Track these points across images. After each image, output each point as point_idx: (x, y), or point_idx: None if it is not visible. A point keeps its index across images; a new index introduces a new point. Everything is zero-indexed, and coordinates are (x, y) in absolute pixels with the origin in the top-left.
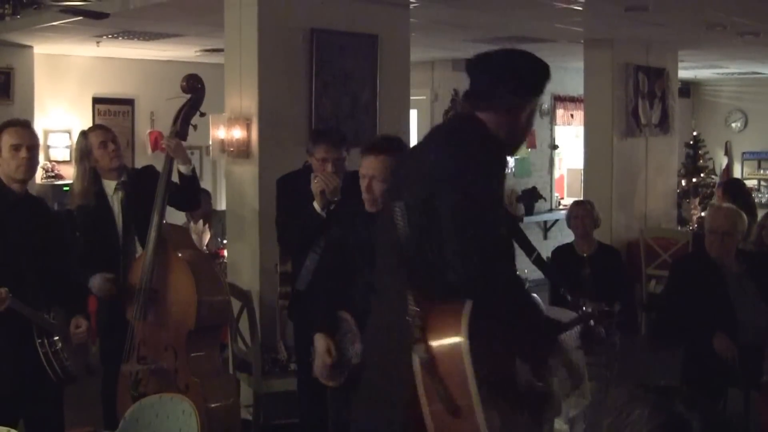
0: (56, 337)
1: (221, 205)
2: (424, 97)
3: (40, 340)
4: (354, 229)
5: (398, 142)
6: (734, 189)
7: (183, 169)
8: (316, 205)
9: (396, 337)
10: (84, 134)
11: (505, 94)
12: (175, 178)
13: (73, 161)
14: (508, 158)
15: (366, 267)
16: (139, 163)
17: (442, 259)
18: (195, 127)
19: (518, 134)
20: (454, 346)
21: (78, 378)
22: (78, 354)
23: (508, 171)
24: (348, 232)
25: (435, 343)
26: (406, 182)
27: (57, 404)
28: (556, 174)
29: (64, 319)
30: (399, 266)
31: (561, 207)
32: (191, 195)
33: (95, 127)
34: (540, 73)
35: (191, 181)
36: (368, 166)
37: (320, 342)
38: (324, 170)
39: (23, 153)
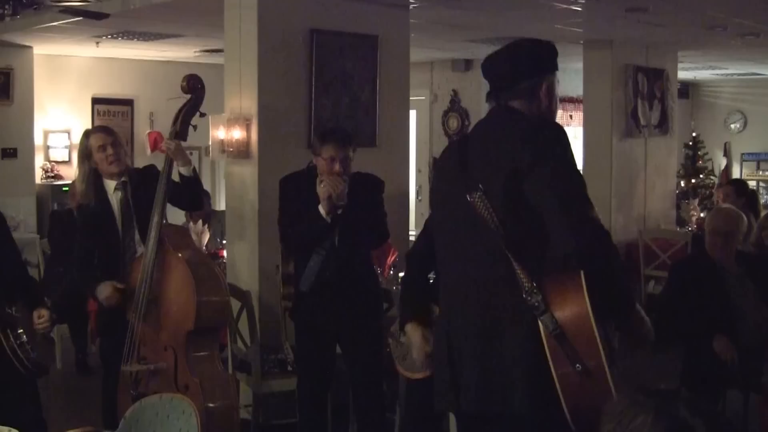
0: (20, 330)
1: (221, 205)
2: (424, 98)
3: (3, 334)
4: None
5: None
6: (742, 189)
7: (183, 170)
8: (321, 209)
9: (490, 322)
10: (86, 135)
11: (520, 79)
12: (175, 178)
13: (76, 160)
14: None
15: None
16: (138, 163)
17: (555, 233)
18: (195, 127)
19: (547, 112)
20: (580, 313)
21: (48, 369)
22: (44, 345)
23: None
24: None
25: (560, 313)
26: (481, 172)
27: (33, 398)
28: None
29: (26, 313)
30: (490, 252)
31: None
32: (193, 195)
33: (97, 129)
34: (543, 49)
35: (192, 181)
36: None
37: (415, 331)
38: (332, 169)
39: None
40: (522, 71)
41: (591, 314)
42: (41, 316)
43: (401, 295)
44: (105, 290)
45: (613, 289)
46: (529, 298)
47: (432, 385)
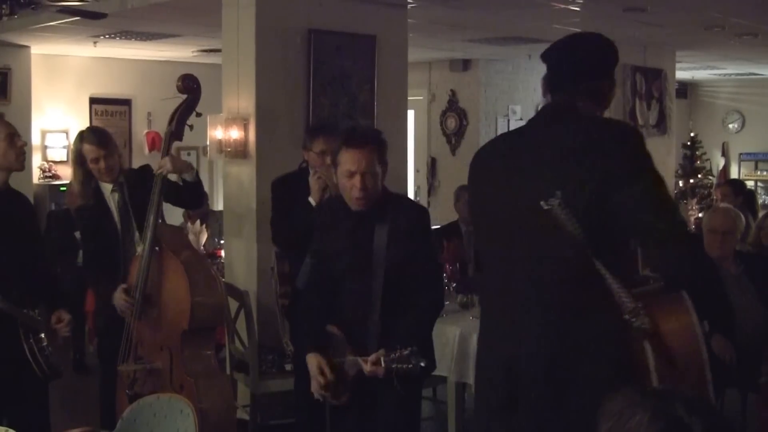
0: (42, 334)
1: (218, 205)
2: (422, 98)
3: (26, 339)
4: (342, 235)
5: (378, 134)
6: (739, 188)
7: (186, 176)
8: (311, 200)
9: (573, 341)
10: (80, 138)
11: (591, 77)
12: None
13: (71, 162)
14: None
15: (357, 272)
16: (137, 163)
17: (649, 237)
18: (191, 127)
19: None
20: (690, 340)
21: (62, 373)
22: (63, 349)
23: None
24: (335, 239)
25: (670, 338)
26: (557, 178)
27: (42, 402)
28: None
29: (45, 314)
30: (572, 265)
31: None
32: (195, 196)
33: (90, 137)
34: (612, 47)
35: (195, 185)
36: (357, 160)
37: (312, 362)
38: (323, 164)
39: (20, 141)
40: (595, 69)
41: (701, 341)
42: (60, 320)
43: (299, 326)
44: (116, 299)
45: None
46: (633, 320)
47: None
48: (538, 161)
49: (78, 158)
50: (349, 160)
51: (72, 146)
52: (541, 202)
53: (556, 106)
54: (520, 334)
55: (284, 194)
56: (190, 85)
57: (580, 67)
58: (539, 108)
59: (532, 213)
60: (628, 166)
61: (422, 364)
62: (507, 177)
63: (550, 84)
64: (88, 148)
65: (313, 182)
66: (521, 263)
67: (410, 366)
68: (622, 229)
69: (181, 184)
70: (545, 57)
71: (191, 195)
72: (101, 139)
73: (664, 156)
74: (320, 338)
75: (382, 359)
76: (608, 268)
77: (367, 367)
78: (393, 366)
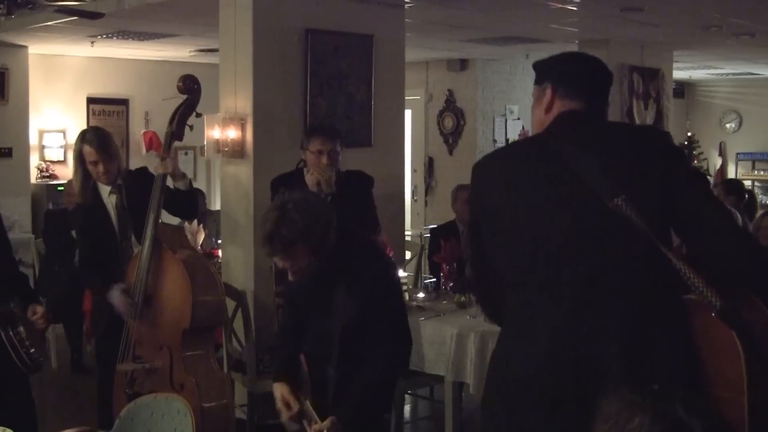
0: (20, 327)
1: (216, 205)
2: (419, 97)
3: (4, 331)
4: (305, 279)
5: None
6: (737, 189)
7: (180, 185)
8: None
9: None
10: (82, 137)
11: (609, 87)
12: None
13: (72, 160)
14: None
15: (319, 318)
16: (134, 163)
17: (719, 245)
18: (191, 127)
19: None
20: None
21: (43, 366)
22: (39, 342)
23: None
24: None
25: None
26: (626, 177)
27: (26, 395)
28: None
29: (23, 309)
30: (642, 255)
31: None
32: (188, 207)
33: (91, 138)
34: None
35: (189, 195)
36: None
37: (276, 392)
38: (320, 162)
39: None
40: (607, 79)
41: None
42: (36, 313)
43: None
44: (114, 298)
45: None
46: (723, 317)
47: None
48: (590, 164)
49: (79, 157)
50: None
51: (74, 145)
52: (615, 200)
53: (582, 114)
54: (593, 334)
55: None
56: (190, 86)
57: (602, 76)
58: (561, 115)
59: (596, 213)
60: (685, 168)
61: None
62: (555, 182)
63: (571, 92)
64: (87, 150)
65: (308, 178)
66: (585, 265)
67: None
68: (682, 227)
69: (174, 190)
70: (554, 67)
71: (183, 204)
72: (102, 143)
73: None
74: (292, 365)
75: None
76: (682, 262)
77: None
78: None
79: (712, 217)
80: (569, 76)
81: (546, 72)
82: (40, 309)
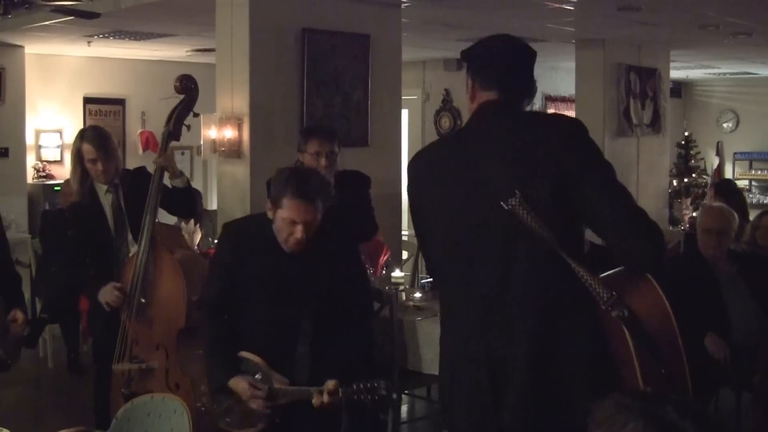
0: None
1: (212, 205)
2: (416, 97)
3: None
4: (265, 264)
5: (328, 189)
6: (727, 189)
7: (177, 182)
8: None
9: (545, 335)
10: (81, 136)
11: (523, 73)
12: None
13: (70, 159)
14: None
15: (282, 302)
16: (130, 163)
17: (617, 235)
18: (188, 127)
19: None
20: (663, 319)
21: (10, 367)
22: (11, 344)
23: None
24: (256, 268)
25: (646, 321)
26: (516, 174)
27: None
28: None
29: (2, 311)
30: (540, 260)
31: None
32: (186, 204)
33: (90, 136)
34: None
35: (183, 192)
36: (303, 212)
37: (241, 384)
38: (318, 164)
39: None
40: (528, 65)
41: (673, 318)
42: (15, 320)
43: (208, 350)
44: (107, 294)
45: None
46: (610, 310)
47: None
48: (493, 161)
49: (77, 156)
50: (294, 209)
51: (72, 145)
52: (501, 203)
53: (497, 105)
54: (501, 335)
55: None
56: (188, 86)
57: (518, 63)
58: (478, 107)
59: (496, 214)
60: (582, 160)
61: (387, 393)
62: (463, 180)
63: (485, 83)
64: (86, 148)
65: None
66: (491, 264)
67: (377, 396)
68: (584, 222)
69: (171, 189)
70: (473, 56)
71: (180, 202)
72: (101, 141)
73: (659, 155)
74: (237, 363)
75: (339, 390)
76: (575, 261)
77: (324, 398)
78: (355, 397)
79: (605, 208)
80: (484, 66)
81: (468, 62)
82: (20, 316)
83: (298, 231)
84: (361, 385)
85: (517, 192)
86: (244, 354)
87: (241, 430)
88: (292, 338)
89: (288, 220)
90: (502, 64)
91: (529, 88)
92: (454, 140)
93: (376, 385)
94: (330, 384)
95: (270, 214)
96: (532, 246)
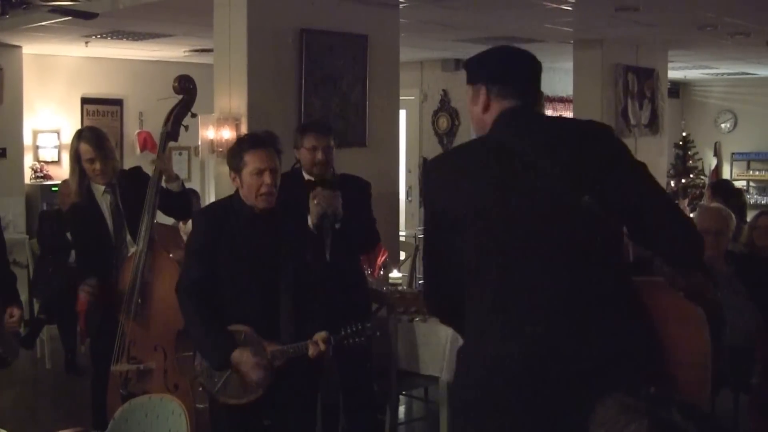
0: None
1: None
2: (413, 98)
3: None
4: (243, 236)
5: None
6: (724, 190)
7: (173, 186)
8: (309, 221)
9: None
10: (78, 136)
11: (538, 81)
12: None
13: (68, 159)
14: None
15: (263, 269)
16: (128, 163)
17: (662, 229)
18: (186, 128)
19: None
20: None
21: (10, 363)
22: (9, 341)
23: None
24: (233, 241)
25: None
26: (589, 174)
27: None
28: None
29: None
30: (611, 250)
31: None
32: (181, 207)
33: (87, 136)
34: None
35: (179, 195)
36: (266, 159)
37: (245, 355)
38: (314, 159)
39: None
40: (539, 71)
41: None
42: (12, 315)
43: (202, 331)
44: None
45: None
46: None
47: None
48: (546, 166)
49: (75, 156)
50: (257, 158)
51: (70, 145)
52: (585, 198)
53: (523, 110)
54: (574, 333)
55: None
56: (186, 86)
57: (537, 69)
58: (501, 115)
59: (560, 212)
60: (627, 162)
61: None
62: (515, 185)
63: (505, 91)
64: (84, 148)
65: (313, 207)
66: (557, 267)
67: (365, 336)
68: (627, 224)
69: (166, 191)
70: (486, 65)
71: (175, 205)
72: (98, 141)
73: (656, 156)
74: (233, 337)
75: (331, 338)
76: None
77: (321, 347)
78: (345, 342)
79: (652, 208)
80: (502, 76)
81: (478, 73)
82: (17, 312)
83: (267, 176)
84: (349, 330)
85: (586, 196)
86: (231, 327)
87: (241, 398)
88: (275, 302)
89: (255, 172)
90: (522, 71)
91: (540, 93)
92: (483, 145)
93: (361, 327)
94: (322, 334)
95: (236, 183)
96: (593, 242)
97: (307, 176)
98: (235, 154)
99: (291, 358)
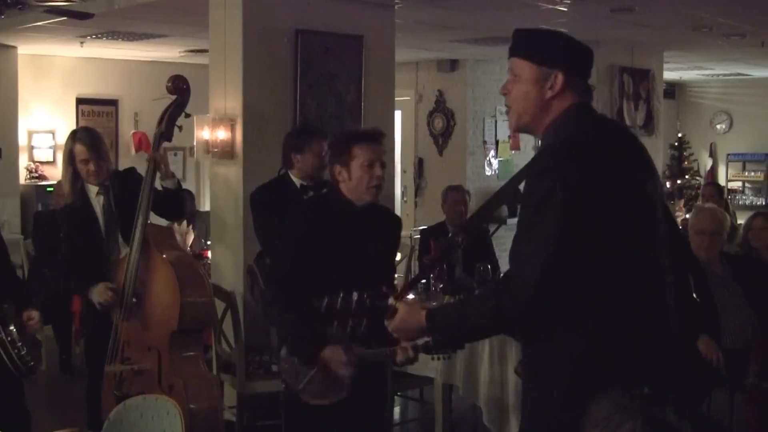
0: (12, 327)
1: (205, 206)
2: (409, 98)
3: None
4: (349, 233)
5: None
6: (715, 194)
7: (168, 183)
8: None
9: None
10: (72, 137)
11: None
12: (158, 185)
13: (62, 160)
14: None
15: (367, 266)
16: (123, 164)
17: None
18: (180, 128)
19: None
20: None
21: (37, 370)
22: (32, 347)
23: (494, 173)
24: (340, 238)
25: None
26: (651, 168)
27: (19, 399)
28: None
29: (16, 313)
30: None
31: None
32: (176, 205)
33: (82, 137)
34: None
35: (174, 193)
36: (377, 151)
37: (336, 352)
38: (322, 164)
39: None
40: None
41: None
42: (31, 318)
43: (293, 322)
44: (100, 293)
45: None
46: None
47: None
48: (637, 156)
49: (69, 156)
50: (369, 150)
51: (64, 146)
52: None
53: (592, 108)
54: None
55: (270, 204)
56: (179, 86)
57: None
58: (583, 109)
59: (653, 203)
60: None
61: None
62: (637, 180)
63: (582, 81)
64: (79, 149)
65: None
66: (657, 254)
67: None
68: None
69: (161, 190)
70: (588, 55)
71: (170, 204)
72: (93, 142)
73: (652, 156)
74: (323, 332)
75: (419, 345)
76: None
77: (410, 353)
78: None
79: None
80: (582, 65)
81: (554, 54)
82: (35, 314)
83: (378, 168)
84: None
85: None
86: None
87: (324, 399)
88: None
89: (366, 163)
90: (592, 64)
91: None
92: (608, 139)
93: None
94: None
95: (342, 177)
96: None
97: (298, 182)
98: (342, 147)
99: (373, 363)
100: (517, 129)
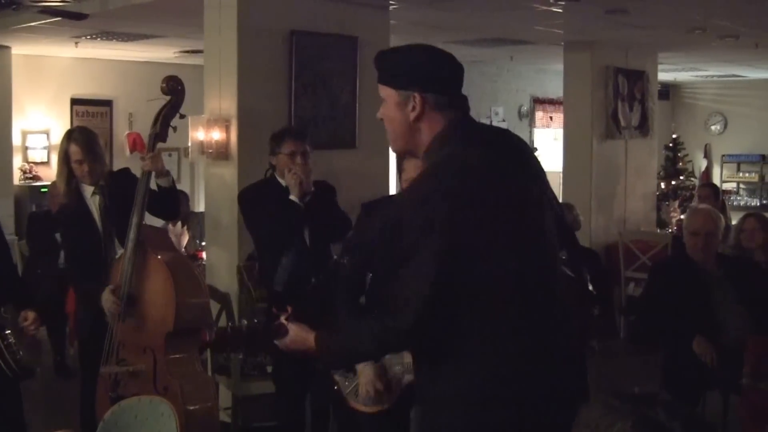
0: (8, 331)
1: (200, 206)
2: None
3: None
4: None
5: None
6: (711, 195)
7: (162, 182)
8: (293, 197)
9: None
10: (68, 137)
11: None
12: (153, 186)
13: (57, 160)
14: None
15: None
16: (117, 164)
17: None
18: (175, 128)
19: None
20: None
21: (34, 373)
22: (33, 349)
23: None
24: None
25: None
26: (534, 169)
27: (15, 402)
28: None
29: (15, 314)
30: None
31: None
32: (170, 204)
33: (77, 137)
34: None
35: (169, 191)
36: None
37: (366, 369)
38: (294, 164)
39: None
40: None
41: None
42: (26, 319)
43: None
44: (106, 302)
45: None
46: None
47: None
48: (517, 162)
49: (64, 157)
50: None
51: (60, 145)
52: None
53: (470, 119)
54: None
55: (258, 204)
56: (174, 87)
57: (462, 71)
58: (451, 124)
59: (539, 206)
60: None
61: None
62: (519, 197)
63: (453, 98)
64: (73, 149)
65: (289, 178)
66: (542, 261)
67: None
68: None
69: (156, 189)
70: (419, 67)
71: (165, 203)
72: (88, 142)
73: (646, 158)
74: None
75: None
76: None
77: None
78: None
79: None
80: (444, 80)
81: (409, 76)
82: (31, 315)
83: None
84: None
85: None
86: None
87: (366, 406)
88: None
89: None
90: (457, 75)
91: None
92: (485, 157)
93: None
94: None
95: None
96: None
97: (283, 183)
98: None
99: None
100: (399, 153)
